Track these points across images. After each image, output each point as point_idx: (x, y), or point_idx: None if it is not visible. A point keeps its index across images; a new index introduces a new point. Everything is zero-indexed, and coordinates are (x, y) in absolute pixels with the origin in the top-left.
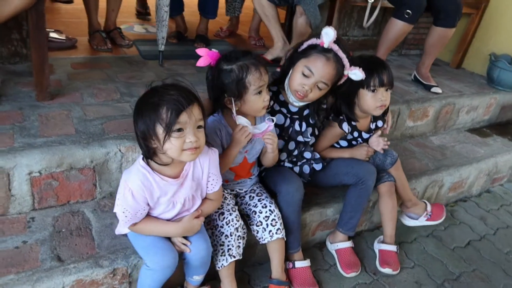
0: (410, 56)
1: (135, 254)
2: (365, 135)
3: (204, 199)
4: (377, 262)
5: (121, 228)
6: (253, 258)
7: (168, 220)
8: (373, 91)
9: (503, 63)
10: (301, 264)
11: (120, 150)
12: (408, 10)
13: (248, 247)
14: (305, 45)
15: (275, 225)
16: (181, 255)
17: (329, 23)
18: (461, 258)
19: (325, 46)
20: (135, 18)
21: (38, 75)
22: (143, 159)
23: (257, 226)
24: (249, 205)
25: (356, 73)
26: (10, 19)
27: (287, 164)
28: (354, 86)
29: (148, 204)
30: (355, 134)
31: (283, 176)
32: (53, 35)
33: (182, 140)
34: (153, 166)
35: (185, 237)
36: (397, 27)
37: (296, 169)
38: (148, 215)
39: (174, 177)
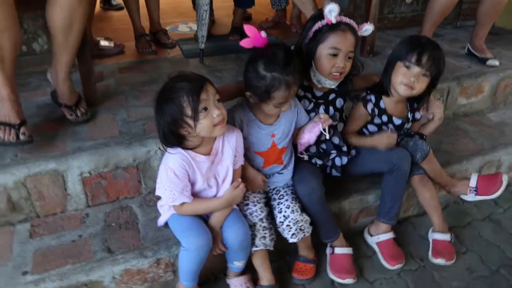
0: (466, 27)
1: (177, 245)
2: (396, 121)
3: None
4: (429, 253)
5: (162, 219)
6: (292, 246)
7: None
8: (407, 67)
9: None
10: (341, 250)
11: (159, 148)
12: None
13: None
14: (311, 33)
15: (290, 230)
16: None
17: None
18: None
19: (334, 22)
20: (180, 18)
21: (86, 84)
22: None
23: (278, 227)
24: (271, 205)
25: (367, 29)
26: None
27: (317, 161)
28: (393, 57)
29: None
30: (384, 118)
31: (299, 176)
32: (103, 43)
33: (210, 117)
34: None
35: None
36: None
37: (328, 163)
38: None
39: (206, 155)
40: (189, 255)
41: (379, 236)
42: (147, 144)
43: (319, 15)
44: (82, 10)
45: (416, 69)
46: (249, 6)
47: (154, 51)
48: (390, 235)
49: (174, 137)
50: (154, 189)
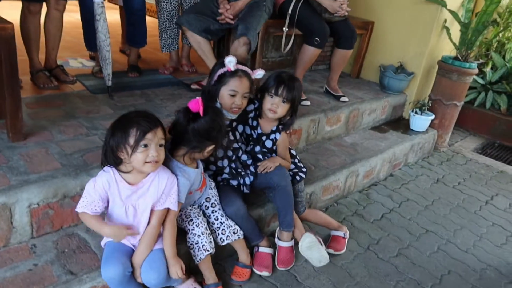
0: (318, 70)
1: None
2: (259, 130)
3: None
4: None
5: (103, 241)
6: (224, 252)
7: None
8: (270, 96)
9: (390, 72)
10: (263, 249)
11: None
12: (316, 38)
13: (217, 244)
14: (215, 77)
15: (225, 233)
16: None
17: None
18: (379, 227)
19: (232, 69)
20: (66, 52)
21: (13, 119)
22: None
23: (213, 232)
24: (204, 213)
25: (259, 74)
26: None
27: (233, 182)
28: (262, 89)
29: (107, 202)
30: (255, 123)
31: (224, 200)
32: None
33: (145, 154)
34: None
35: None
36: (309, 52)
37: (240, 181)
38: (99, 216)
39: (132, 184)
40: (108, 282)
41: (281, 242)
42: (93, 173)
43: (222, 63)
44: None
45: (276, 98)
46: (142, 46)
47: (57, 86)
48: (289, 244)
49: (113, 157)
50: None
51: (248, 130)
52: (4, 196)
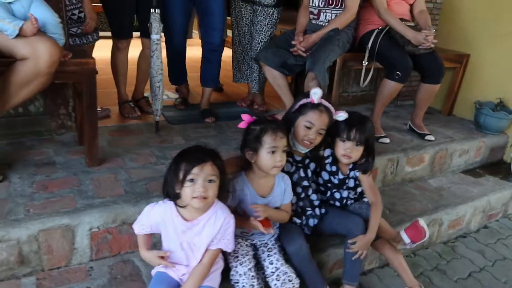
0: (405, 106)
1: None
2: (340, 175)
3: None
4: None
5: (153, 271)
6: None
7: (177, 263)
8: (342, 141)
9: (487, 110)
10: None
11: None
12: (398, 72)
13: None
14: (297, 106)
15: (279, 279)
16: None
17: (331, 82)
18: None
19: (315, 102)
20: None
21: (90, 146)
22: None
23: (267, 277)
24: (260, 257)
25: (341, 116)
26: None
27: (296, 220)
28: (332, 134)
29: (157, 231)
30: (334, 168)
31: (286, 237)
32: None
33: (192, 189)
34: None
35: None
36: (390, 86)
37: (304, 221)
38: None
39: (187, 220)
40: None
41: None
42: (152, 202)
43: (307, 93)
44: None
45: (348, 143)
46: (214, 86)
47: (139, 116)
48: None
49: (171, 191)
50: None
51: (326, 176)
52: (69, 218)
